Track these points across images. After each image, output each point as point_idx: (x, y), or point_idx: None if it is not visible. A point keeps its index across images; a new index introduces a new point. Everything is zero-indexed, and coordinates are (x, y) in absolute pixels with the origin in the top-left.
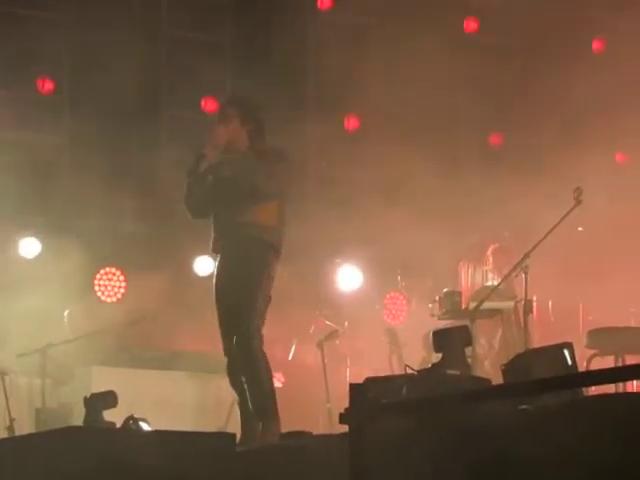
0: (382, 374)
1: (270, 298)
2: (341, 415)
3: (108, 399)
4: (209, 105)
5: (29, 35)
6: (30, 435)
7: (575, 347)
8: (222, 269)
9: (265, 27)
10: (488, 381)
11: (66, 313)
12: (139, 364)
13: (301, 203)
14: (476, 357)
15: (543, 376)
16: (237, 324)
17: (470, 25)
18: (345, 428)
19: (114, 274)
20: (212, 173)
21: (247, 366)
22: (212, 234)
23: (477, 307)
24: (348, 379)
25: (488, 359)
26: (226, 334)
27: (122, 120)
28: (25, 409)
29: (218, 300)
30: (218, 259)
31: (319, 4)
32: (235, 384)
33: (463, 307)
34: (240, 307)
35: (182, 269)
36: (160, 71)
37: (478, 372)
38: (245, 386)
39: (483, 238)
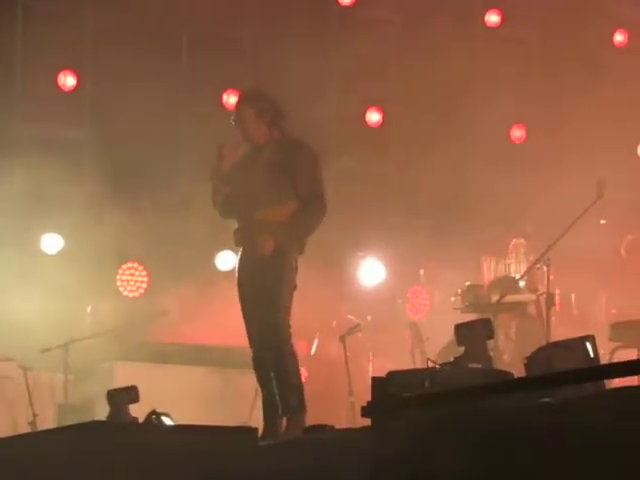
0: (405, 368)
1: (296, 286)
2: (363, 408)
3: (130, 394)
4: (230, 99)
5: (51, 28)
6: (52, 430)
7: (598, 340)
8: (246, 263)
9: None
10: (510, 374)
11: (89, 309)
12: (161, 359)
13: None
14: (496, 350)
15: (565, 369)
16: (264, 317)
17: (492, 19)
18: (367, 422)
19: (136, 269)
20: (246, 166)
21: (275, 360)
22: (236, 227)
23: (499, 300)
24: (371, 373)
25: (506, 352)
26: (252, 328)
27: (144, 115)
28: (48, 404)
29: (243, 294)
30: (241, 252)
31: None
32: (261, 378)
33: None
34: (267, 300)
35: (204, 264)
36: (179, 66)
37: (498, 365)
38: (274, 381)
39: (505, 231)
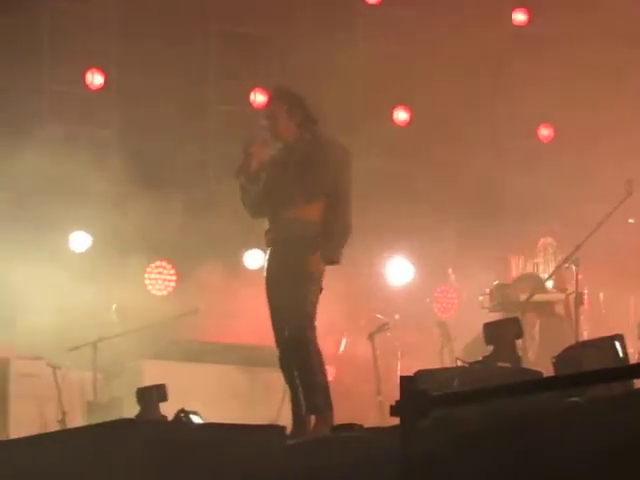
0: (433, 367)
1: (322, 289)
2: (392, 407)
3: (159, 392)
4: (257, 98)
5: (77, 29)
6: (81, 428)
7: (627, 339)
8: (274, 262)
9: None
10: (539, 373)
11: (114, 307)
12: (190, 357)
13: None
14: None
15: (594, 368)
16: (291, 317)
17: (519, 17)
18: (396, 420)
19: (165, 267)
20: (276, 164)
21: (301, 359)
22: (267, 227)
23: (528, 299)
24: (399, 372)
25: (531, 350)
26: (279, 327)
27: (171, 113)
28: (77, 402)
29: (270, 293)
30: (269, 252)
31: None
32: (288, 377)
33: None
34: (294, 300)
35: (232, 262)
36: (209, 65)
37: (524, 363)
38: (298, 380)
39: (534, 230)
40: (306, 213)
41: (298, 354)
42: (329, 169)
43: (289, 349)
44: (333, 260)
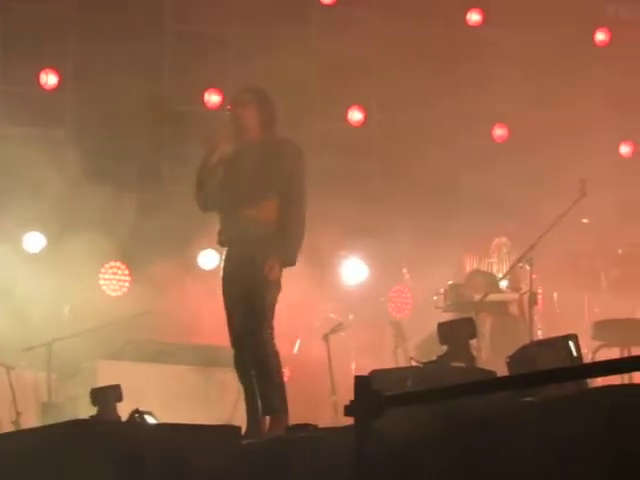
0: (387, 367)
1: (280, 289)
2: (346, 407)
3: (114, 393)
4: (212, 99)
5: (33, 29)
6: (36, 429)
7: (581, 339)
8: (232, 262)
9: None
10: (493, 373)
11: (71, 308)
12: (144, 358)
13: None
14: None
15: (548, 367)
16: (248, 317)
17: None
18: (350, 420)
19: (119, 268)
20: (232, 161)
21: (257, 359)
22: (219, 226)
23: (482, 299)
24: (353, 372)
25: (484, 350)
26: (235, 327)
27: (125, 115)
28: (31, 403)
29: (227, 292)
30: (226, 252)
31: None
32: (243, 377)
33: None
34: (252, 301)
35: (187, 262)
36: (163, 65)
37: (478, 363)
38: (255, 380)
39: (488, 230)
40: (261, 212)
41: (256, 355)
42: (283, 167)
43: (246, 350)
44: (289, 264)
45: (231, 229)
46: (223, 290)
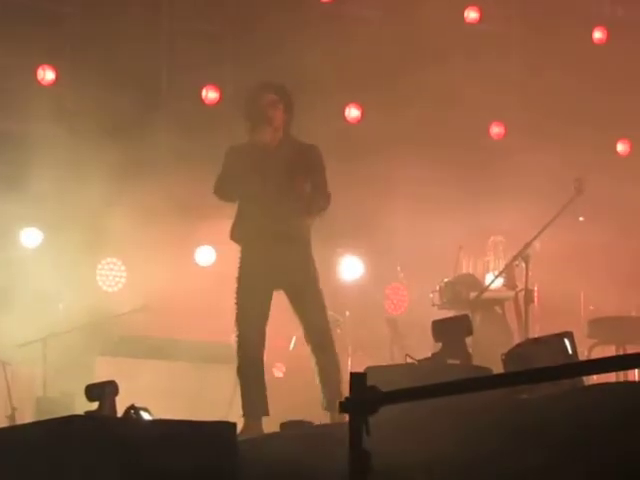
0: (383, 363)
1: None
2: (341, 404)
3: (109, 389)
4: (209, 95)
5: (28, 24)
6: (31, 424)
7: (576, 337)
8: (266, 257)
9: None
10: (489, 370)
11: (68, 303)
12: (141, 354)
13: None
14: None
15: (543, 365)
16: (318, 318)
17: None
18: (345, 417)
19: (115, 264)
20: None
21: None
22: (240, 223)
23: (478, 297)
24: (349, 368)
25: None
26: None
27: (122, 112)
28: (26, 398)
29: (261, 287)
30: (252, 247)
31: None
32: (251, 376)
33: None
34: (317, 301)
35: (183, 259)
36: (161, 62)
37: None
38: (322, 373)
39: (484, 228)
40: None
41: (327, 353)
42: (312, 171)
43: (256, 349)
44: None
45: (262, 227)
46: (251, 284)
